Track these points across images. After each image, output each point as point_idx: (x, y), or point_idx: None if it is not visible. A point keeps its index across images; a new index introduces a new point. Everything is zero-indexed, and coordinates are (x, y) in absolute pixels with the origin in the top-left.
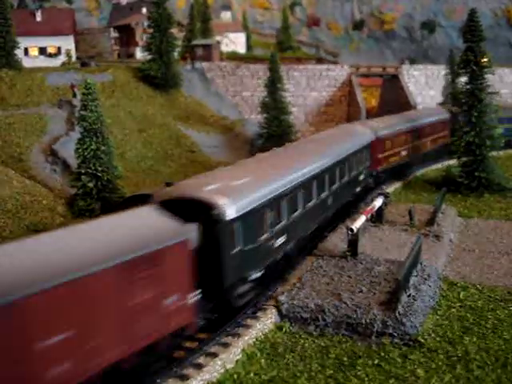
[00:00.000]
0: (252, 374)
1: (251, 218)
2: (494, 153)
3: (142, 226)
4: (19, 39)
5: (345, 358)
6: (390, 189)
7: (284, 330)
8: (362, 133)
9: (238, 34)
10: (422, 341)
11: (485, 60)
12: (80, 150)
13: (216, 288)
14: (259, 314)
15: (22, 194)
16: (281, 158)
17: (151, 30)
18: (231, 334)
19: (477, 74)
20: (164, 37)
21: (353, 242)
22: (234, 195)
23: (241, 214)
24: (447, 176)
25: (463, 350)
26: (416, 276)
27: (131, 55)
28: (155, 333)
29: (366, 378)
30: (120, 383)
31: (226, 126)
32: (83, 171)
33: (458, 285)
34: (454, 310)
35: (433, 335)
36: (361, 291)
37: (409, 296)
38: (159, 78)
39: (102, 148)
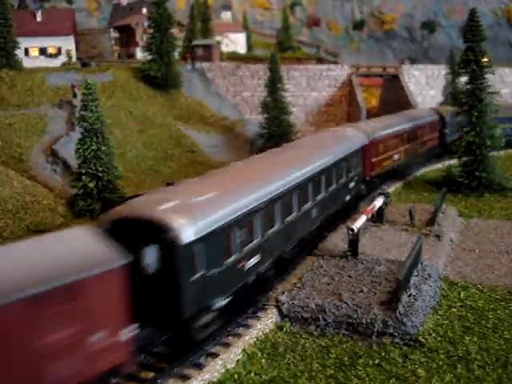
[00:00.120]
0: (253, 374)
1: (215, 239)
2: (494, 152)
3: (65, 252)
4: (19, 39)
5: (345, 358)
6: (391, 189)
7: (285, 329)
8: (352, 136)
9: (239, 34)
10: (423, 340)
11: (485, 60)
12: (80, 151)
13: (173, 320)
14: (260, 313)
15: (22, 194)
16: (257, 168)
17: (151, 31)
18: (232, 333)
19: (477, 74)
20: (164, 37)
21: (353, 241)
22: (195, 214)
23: (202, 235)
24: (447, 176)
25: (464, 350)
26: (416, 276)
27: (131, 55)
28: (78, 375)
29: (367, 378)
30: None
31: (226, 126)
32: (84, 171)
33: (459, 284)
34: (454, 309)
35: (433, 335)
36: (361, 291)
37: (409, 296)
38: (159, 78)
39: (103, 148)
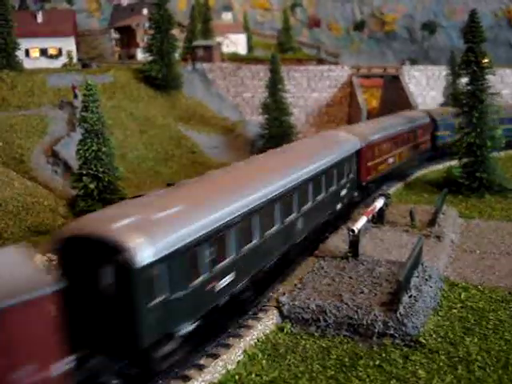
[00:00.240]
0: (253, 375)
1: (180, 259)
2: (494, 153)
3: None
4: (20, 40)
5: (346, 359)
6: (391, 189)
7: (285, 330)
8: (344, 141)
9: (239, 35)
10: (423, 341)
11: (486, 61)
12: (81, 151)
13: (129, 349)
14: (260, 314)
15: (23, 195)
16: (236, 176)
17: (152, 31)
18: (232, 334)
19: (478, 75)
20: (165, 38)
21: (354, 242)
22: (156, 231)
23: (163, 255)
24: (448, 177)
25: (464, 351)
26: (417, 277)
27: (132, 56)
28: None
29: (367, 379)
30: None
31: (226, 127)
32: (84, 172)
33: (459, 285)
34: (455, 310)
35: (434, 336)
36: (362, 292)
37: (410, 297)
38: (160, 79)
39: (103, 149)
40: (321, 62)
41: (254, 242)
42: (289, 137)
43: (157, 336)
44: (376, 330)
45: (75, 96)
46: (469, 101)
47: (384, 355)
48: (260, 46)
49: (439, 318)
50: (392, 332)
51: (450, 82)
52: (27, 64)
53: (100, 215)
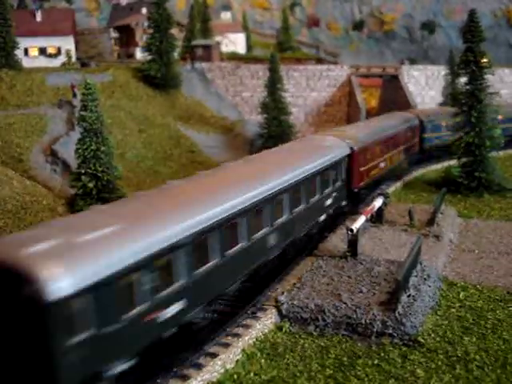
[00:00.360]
0: (252, 374)
1: (110, 288)
2: (493, 153)
3: None
4: (19, 39)
5: (344, 358)
6: (390, 189)
7: (284, 330)
8: (332, 146)
9: (238, 35)
10: (422, 341)
11: (485, 60)
12: (80, 150)
13: None
14: (259, 314)
15: (22, 194)
16: (195, 188)
17: (151, 31)
18: (231, 334)
19: (477, 75)
20: (164, 37)
21: (353, 242)
22: (78, 257)
23: (86, 285)
24: (447, 176)
25: (463, 350)
26: (416, 276)
27: (131, 55)
28: None
29: (366, 378)
30: None
31: (225, 127)
32: (83, 171)
33: (458, 285)
34: (453, 310)
35: (432, 335)
36: (361, 291)
37: (408, 296)
38: (159, 79)
39: (102, 148)
40: (320, 61)
41: (212, 262)
42: (288, 136)
43: (80, 378)
44: (375, 330)
45: (74, 95)
46: (468, 100)
47: (382, 354)
48: (259, 46)
49: (438, 317)
50: (390, 331)
51: (449, 82)
52: (26, 63)
53: (14, 238)
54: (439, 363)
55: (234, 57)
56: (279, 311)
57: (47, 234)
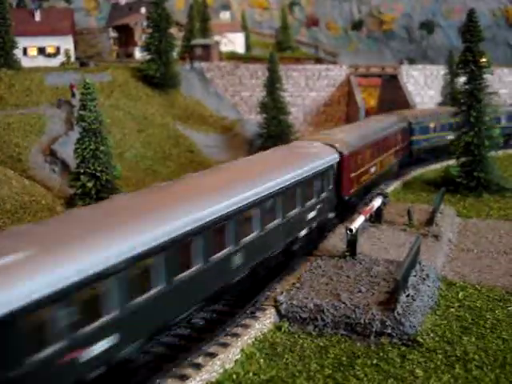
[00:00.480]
0: (251, 374)
1: (12, 327)
2: (492, 153)
3: None
4: (18, 39)
5: (344, 358)
6: (389, 189)
7: (283, 329)
8: (316, 153)
9: (237, 34)
10: (421, 341)
11: (483, 60)
12: (79, 150)
13: None
14: (258, 313)
15: (20, 194)
16: (142, 203)
17: (150, 30)
18: (230, 333)
19: (475, 74)
20: (163, 37)
21: (352, 242)
22: None
23: None
24: (446, 176)
25: (462, 350)
26: (415, 276)
27: (130, 55)
28: None
29: (365, 378)
30: None
31: (224, 126)
32: (82, 171)
33: (457, 285)
34: (452, 309)
35: (431, 335)
36: (360, 291)
37: (408, 296)
38: (158, 78)
39: (101, 148)
40: (319, 61)
41: (156, 290)
42: (287, 136)
43: None
44: (374, 329)
45: (73, 95)
46: (467, 100)
47: (382, 354)
48: (258, 45)
49: (437, 317)
50: (390, 331)
51: (448, 82)
52: (25, 63)
53: None
54: (438, 363)
55: (233, 56)
56: (278, 311)
57: None
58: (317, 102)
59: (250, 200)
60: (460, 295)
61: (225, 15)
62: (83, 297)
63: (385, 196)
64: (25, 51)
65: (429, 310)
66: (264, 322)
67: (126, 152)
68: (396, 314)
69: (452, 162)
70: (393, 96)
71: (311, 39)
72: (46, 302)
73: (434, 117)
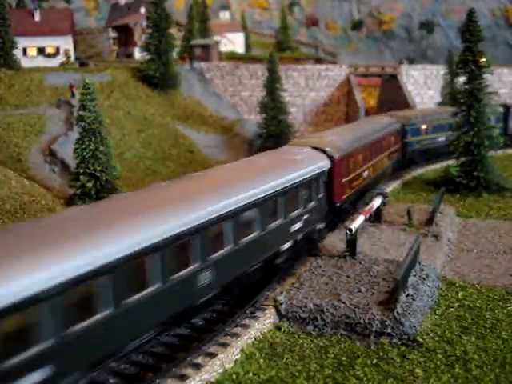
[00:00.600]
0: (251, 374)
1: None
2: (492, 153)
3: None
4: (18, 39)
5: (343, 358)
6: (389, 188)
7: (283, 329)
8: (304, 159)
9: (237, 34)
10: (421, 340)
11: (483, 60)
12: (79, 150)
13: None
14: (258, 313)
15: (20, 194)
16: (92, 218)
17: (150, 30)
18: (230, 333)
19: (475, 74)
20: (163, 37)
21: (351, 241)
22: None
23: None
24: (446, 176)
25: (462, 350)
26: (414, 276)
27: (130, 55)
28: None
29: (365, 378)
30: None
31: (224, 126)
32: (82, 171)
33: (457, 284)
34: (452, 309)
35: (431, 335)
36: (359, 291)
37: (407, 296)
38: (158, 78)
39: (101, 148)
40: (319, 61)
41: (101, 315)
42: (286, 136)
43: None
44: (373, 329)
45: (73, 95)
46: (466, 100)
47: (381, 354)
48: (258, 45)
49: (436, 316)
50: (389, 331)
51: (447, 81)
52: (24, 63)
53: None
54: (438, 363)
55: (232, 56)
56: (278, 311)
57: None
58: (316, 101)
59: (220, 213)
60: (460, 295)
61: (224, 15)
62: (8, 326)
63: (384, 196)
64: (24, 51)
65: (428, 310)
66: (264, 321)
67: (126, 152)
68: (396, 314)
69: (451, 162)
70: (392, 96)
71: (311, 39)
72: None
73: (426, 118)
